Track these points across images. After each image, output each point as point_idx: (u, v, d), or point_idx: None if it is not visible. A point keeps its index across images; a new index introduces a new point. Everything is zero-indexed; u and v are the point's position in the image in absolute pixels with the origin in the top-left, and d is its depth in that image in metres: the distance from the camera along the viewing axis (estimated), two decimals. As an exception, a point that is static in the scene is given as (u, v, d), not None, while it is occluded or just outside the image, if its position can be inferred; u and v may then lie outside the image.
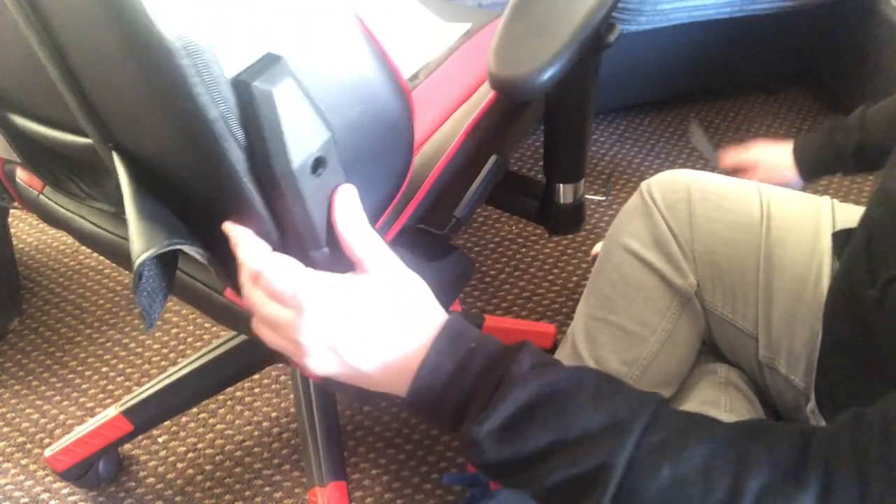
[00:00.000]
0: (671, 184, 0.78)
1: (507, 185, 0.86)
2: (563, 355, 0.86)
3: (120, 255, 0.69)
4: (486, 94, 0.74)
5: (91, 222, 0.69)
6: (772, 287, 0.70)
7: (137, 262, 0.44)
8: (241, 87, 0.38)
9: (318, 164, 0.43)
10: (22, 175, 0.74)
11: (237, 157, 0.41)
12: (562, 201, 0.83)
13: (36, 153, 0.60)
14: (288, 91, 0.39)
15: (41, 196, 0.72)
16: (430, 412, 0.46)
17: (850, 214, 0.72)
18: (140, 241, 0.45)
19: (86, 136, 0.51)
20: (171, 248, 0.46)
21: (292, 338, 0.46)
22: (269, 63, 0.39)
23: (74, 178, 0.62)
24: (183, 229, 0.48)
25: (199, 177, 0.46)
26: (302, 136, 0.41)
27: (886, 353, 0.52)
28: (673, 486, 0.40)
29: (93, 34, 0.40)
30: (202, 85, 0.38)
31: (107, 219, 0.68)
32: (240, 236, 0.47)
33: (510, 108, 0.75)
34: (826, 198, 0.74)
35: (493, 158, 0.71)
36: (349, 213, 0.47)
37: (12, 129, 0.58)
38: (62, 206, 0.71)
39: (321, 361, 0.46)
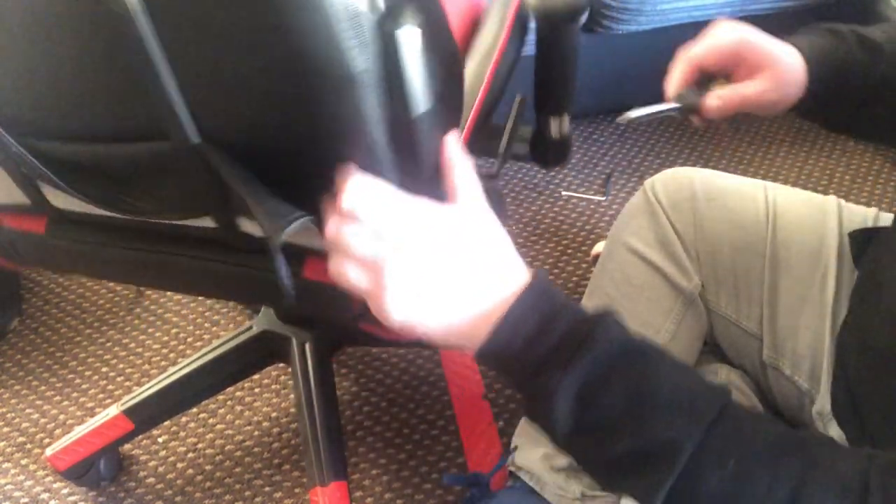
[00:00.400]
0: (676, 182, 0.78)
1: (494, 135, 0.89)
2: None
3: (167, 275, 0.65)
4: (495, 37, 0.78)
5: (125, 247, 0.63)
6: (777, 288, 0.70)
7: (280, 238, 0.45)
8: (385, 35, 0.39)
9: (439, 104, 0.45)
10: (16, 221, 0.65)
11: (374, 107, 0.42)
12: (553, 135, 0.86)
13: (74, 176, 0.56)
14: (418, 35, 0.41)
15: (48, 237, 0.65)
16: (505, 363, 0.45)
17: (858, 215, 0.72)
18: (271, 219, 0.46)
19: (144, 139, 0.50)
20: (299, 220, 0.47)
21: (380, 276, 0.45)
22: (401, 8, 0.41)
23: (122, 193, 0.57)
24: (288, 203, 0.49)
25: (321, 137, 0.45)
26: (429, 79, 0.43)
27: None
28: (734, 480, 0.40)
29: (217, 11, 0.40)
30: (356, 38, 0.39)
31: (141, 238, 0.63)
32: (346, 177, 0.46)
33: (517, 49, 0.82)
34: (832, 197, 0.74)
35: (518, 98, 0.82)
36: (455, 147, 0.49)
37: (42, 155, 0.54)
38: (80, 240, 0.64)
39: (402, 302, 0.45)
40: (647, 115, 0.63)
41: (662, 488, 0.41)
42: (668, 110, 0.65)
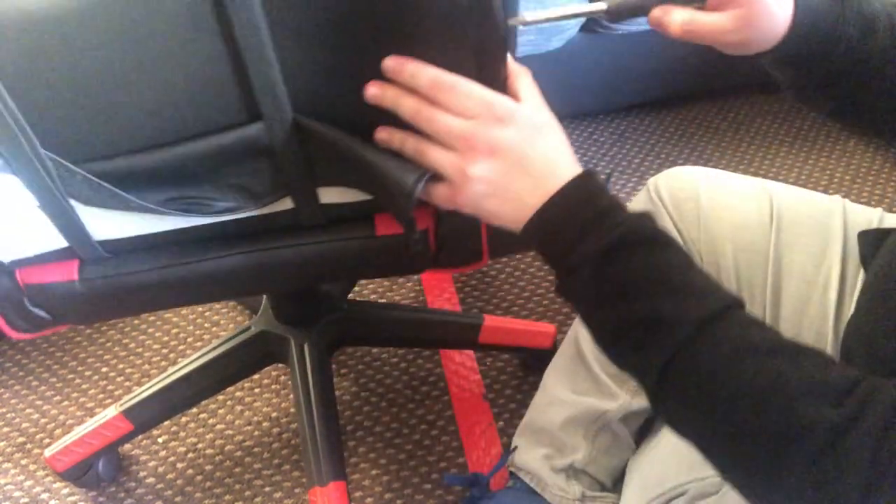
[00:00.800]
0: (679, 181, 0.77)
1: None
2: (565, 356, 0.86)
3: (237, 280, 0.64)
4: None
5: (186, 261, 0.62)
6: (780, 290, 0.70)
7: (418, 189, 0.51)
8: None
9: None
10: (41, 275, 0.60)
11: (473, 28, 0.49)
12: None
13: (152, 187, 0.55)
14: None
15: (82, 281, 0.60)
16: (548, 234, 0.50)
17: (863, 215, 0.71)
18: (405, 171, 0.52)
19: (233, 127, 0.52)
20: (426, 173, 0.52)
21: (466, 156, 0.50)
22: None
23: (205, 194, 0.57)
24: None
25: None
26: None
27: None
28: (725, 363, 0.43)
29: None
30: None
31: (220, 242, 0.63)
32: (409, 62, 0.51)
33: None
34: (837, 197, 0.73)
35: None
36: (512, 60, 0.54)
37: (114, 175, 0.54)
38: (121, 273, 0.61)
39: (479, 181, 0.50)
40: (552, 18, 0.57)
41: (660, 362, 0.44)
42: (587, 13, 0.59)
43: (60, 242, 0.57)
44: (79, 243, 0.57)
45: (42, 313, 0.62)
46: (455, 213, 0.54)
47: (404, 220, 0.55)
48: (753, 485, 0.43)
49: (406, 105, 0.51)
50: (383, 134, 0.54)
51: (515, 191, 0.50)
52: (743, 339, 0.44)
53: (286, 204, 0.59)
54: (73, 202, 0.53)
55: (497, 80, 0.52)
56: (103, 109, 0.50)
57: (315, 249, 0.63)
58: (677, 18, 0.56)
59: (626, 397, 0.80)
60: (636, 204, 0.80)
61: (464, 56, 0.50)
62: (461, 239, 0.65)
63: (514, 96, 0.52)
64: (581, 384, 0.83)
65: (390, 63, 0.50)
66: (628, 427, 0.83)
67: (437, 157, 0.51)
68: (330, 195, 0.60)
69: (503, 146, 0.49)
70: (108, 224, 0.57)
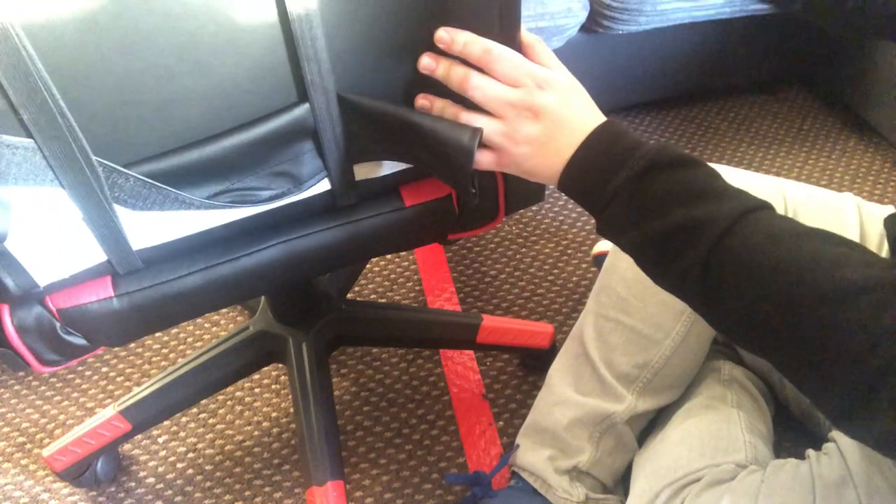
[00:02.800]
0: None
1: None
2: (569, 354, 0.86)
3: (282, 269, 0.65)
4: None
5: (227, 259, 0.62)
6: None
7: (476, 144, 0.55)
8: None
9: None
10: (72, 297, 0.57)
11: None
12: None
13: (203, 182, 0.55)
14: None
15: (119, 294, 0.58)
16: (584, 176, 0.55)
17: (876, 212, 0.71)
18: (459, 129, 0.55)
19: (282, 111, 0.54)
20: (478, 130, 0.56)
21: (515, 120, 0.55)
22: None
23: (253, 182, 0.58)
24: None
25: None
26: None
27: None
28: (761, 247, 0.45)
29: None
30: None
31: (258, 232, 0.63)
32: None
33: None
34: (849, 194, 0.73)
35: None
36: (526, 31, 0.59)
37: (165, 174, 0.53)
38: (166, 279, 0.59)
39: (530, 133, 0.55)
40: None
41: (702, 258, 0.47)
42: None
43: (96, 258, 0.56)
44: (119, 255, 0.56)
45: (77, 339, 0.59)
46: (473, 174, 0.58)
47: (463, 177, 0.58)
48: (808, 378, 0.45)
49: (456, 73, 0.55)
50: (423, 101, 0.57)
51: (555, 147, 0.55)
52: (776, 226, 0.46)
53: (323, 186, 0.61)
54: (116, 209, 0.53)
55: (515, 44, 0.57)
56: (157, 107, 0.50)
57: (349, 230, 0.66)
58: None
59: (632, 399, 0.80)
60: None
61: (490, 23, 0.55)
62: (481, 199, 0.69)
63: (542, 64, 0.57)
64: (586, 385, 0.83)
65: (443, 33, 0.53)
66: (632, 429, 0.83)
67: (483, 123, 0.56)
68: (360, 172, 0.63)
69: (546, 109, 0.55)
70: (146, 231, 0.56)
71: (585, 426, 0.82)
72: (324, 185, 0.61)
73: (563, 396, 0.84)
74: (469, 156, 0.55)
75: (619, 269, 0.80)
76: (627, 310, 0.78)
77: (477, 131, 0.55)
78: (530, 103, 0.55)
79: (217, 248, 0.61)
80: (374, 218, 0.66)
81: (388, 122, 0.57)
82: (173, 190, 0.53)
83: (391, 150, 0.61)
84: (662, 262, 0.51)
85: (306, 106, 0.55)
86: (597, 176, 0.54)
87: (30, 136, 0.46)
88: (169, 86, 0.49)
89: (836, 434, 0.69)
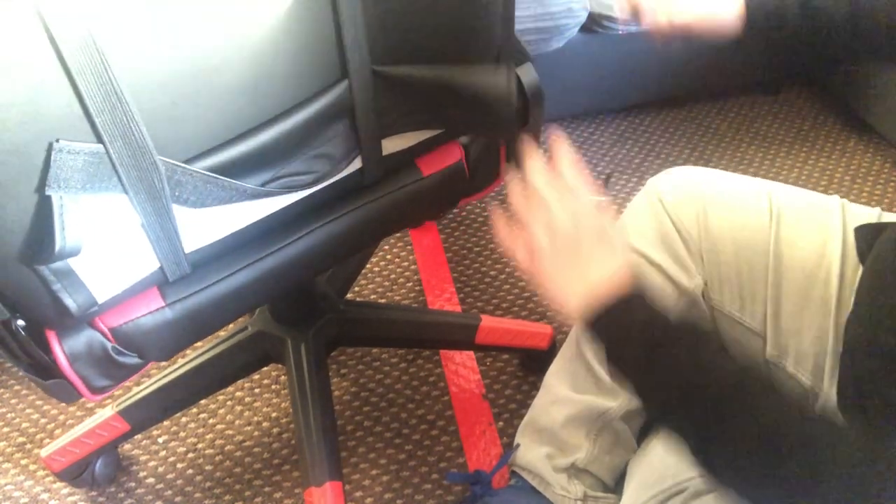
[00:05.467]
0: (679, 182, 0.77)
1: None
2: (566, 357, 0.86)
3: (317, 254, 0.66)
4: None
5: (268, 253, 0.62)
6: (781, 286, 0.70)
7: (514, 90, 0.59)
8: None
9: None
10: (124, 313, 0.55)
11: None
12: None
13: (255, 170, 0.55)
14: None
15: (170, 303, 0.56)
16: (604, 335, 0.57)
17: (862, 214, 0.71)
18: (492, 71, 0.58)
19: (322, 92, 0.55)
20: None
21: (540, 263, 0.58)
22: None
23: (293, 167, 0.58)
24: None
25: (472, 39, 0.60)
26: None
27: None
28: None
29: None
30: None
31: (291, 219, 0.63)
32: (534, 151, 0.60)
33: None
34: (835, 197, 0.74)
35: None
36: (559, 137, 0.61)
37: (220, 167, 0.52)
38: (207, 284, 0.58)
39: (551, 284, 0.58)
40: None
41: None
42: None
43: (148, 268, 0.54)
44: (171, 260, 0.54)
45: (130, 359, 0.57)
46: (477, 139, 0.60)
47: (508, 118, 0.59)
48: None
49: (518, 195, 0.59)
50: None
51: (583, 292, 0.58)
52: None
53: (354, 166, 0.63)
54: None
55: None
56: (212, 99, 0.49)
57: (376, 206, 0.67)
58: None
59: (627, 395, 0.80)
60: (636, 204, 0.80)
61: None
62: (487, 155, 0.73)
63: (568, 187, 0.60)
64: (582, 383, 0.83)
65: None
66: (630, 426, 0.83)
67: (519, 254, 0.59)
68: (393, 144, 0.64)
69: (570, 260, 0.59)
70: (193, 234, 0.55)
71: (582, 423, 0.82)
72: (354, 165, 0.63)
73: (559, 395, 0.84)
74: (511, 99, 0.57)
75: None
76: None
77: (512, 72, 0.57)
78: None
79: (258, 242, 0.61)
80: (397, 192, 0.68)
81: (421, 88, 0.58)
82: (232, 181, 0.51)
83: (419, 119, 0.62)
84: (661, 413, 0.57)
85: (345, 84, 0.56)
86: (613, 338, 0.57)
87: (99, 140, 0.45)
88: (226, 75, 0.49)
89: None
